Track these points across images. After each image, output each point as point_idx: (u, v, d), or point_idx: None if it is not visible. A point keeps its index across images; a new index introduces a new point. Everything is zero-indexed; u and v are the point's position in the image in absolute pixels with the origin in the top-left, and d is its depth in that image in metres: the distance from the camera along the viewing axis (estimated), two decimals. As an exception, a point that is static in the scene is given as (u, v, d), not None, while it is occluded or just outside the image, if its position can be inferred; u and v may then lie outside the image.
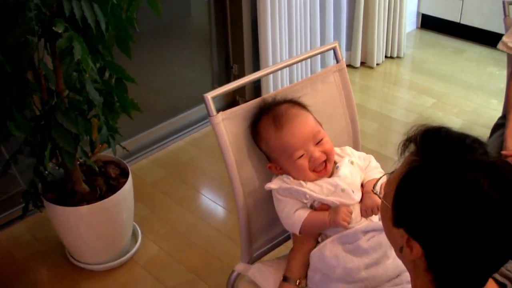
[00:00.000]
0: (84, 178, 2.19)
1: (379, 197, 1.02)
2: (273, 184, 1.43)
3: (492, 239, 0.86)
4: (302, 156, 1.38)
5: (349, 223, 1.35)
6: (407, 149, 0.97)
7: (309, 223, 1.39)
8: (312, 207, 1.41)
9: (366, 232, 1.36)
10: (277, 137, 1.39)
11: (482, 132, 0.91)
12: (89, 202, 2.11)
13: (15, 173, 2.54)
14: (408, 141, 0.96)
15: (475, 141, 0.92)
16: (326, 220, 1.37)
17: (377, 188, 1.06)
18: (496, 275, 1.01)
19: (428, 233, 0.90)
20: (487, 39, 4.05)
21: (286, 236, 1.64)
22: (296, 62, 1.64)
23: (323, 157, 1.40)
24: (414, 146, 0.95)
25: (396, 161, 0.98)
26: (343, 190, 1.38)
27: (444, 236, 0.88)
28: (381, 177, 1.10)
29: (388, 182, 0.99)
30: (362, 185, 1.45)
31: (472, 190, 0.85)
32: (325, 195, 1.38)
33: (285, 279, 1.44)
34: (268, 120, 1.41)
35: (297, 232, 1.40)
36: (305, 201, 1.40)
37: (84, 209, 2.09)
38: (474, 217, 0.85)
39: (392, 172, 0.99)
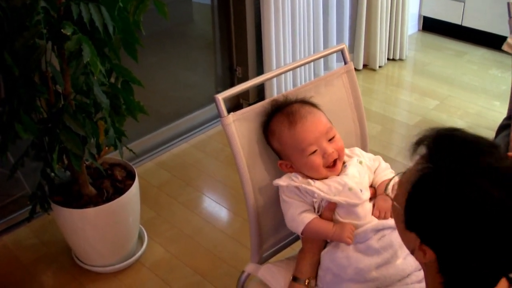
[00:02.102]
0: (91, 180, 2.19)
1: (391, 199, 1.02)
2: (282, 181, 1.43)
3: (504, 244, 0.86)
4: (315, 152, 1.39)
5: (352, 240, 1.36)
6: (417, 151, 0.96)
7: (312, 228, 1.39)
8: (320, 206, 1.41)
9: (376, 231, 1.37)
10: (290, 133, 1.40)
11: (486, 134, 0.91)
12: (95, 204, 2.11)
13: (20, 176, 2.54)
14: (418, 143, 0.95)
15: (491, 145, 0.91)
16: (330, 231, 1.38)
17: (389, 189, 1.06)
18: None
19: (440, 239, 0.90)
20: (489, 41, 4.07)
21: (295, 237, 1.64)
22: (304, 64, 1.65)
23: (336, 155, 1.41)
24: (426, 150, 0.94)
25: (404, 162, 0.98)
26: (350, 189, 1.38)
27: (456, 242, 0.88)
28: (392, 178, 1.10)
29: (399, 184, 0.99)
30: (371, 186, 1.46)
31: (482, 198, 0.84)
32: (332, 194, 1.38)
33: (294, 279, 1.45)
34: (281, 117, 1.43)
35: (299, 233, 1.42)
36: (314, 200, 1.40)
37: (90, 211, 2.09)
38: (485, 224, 0.85)
39: (404, 173, 0.98)
